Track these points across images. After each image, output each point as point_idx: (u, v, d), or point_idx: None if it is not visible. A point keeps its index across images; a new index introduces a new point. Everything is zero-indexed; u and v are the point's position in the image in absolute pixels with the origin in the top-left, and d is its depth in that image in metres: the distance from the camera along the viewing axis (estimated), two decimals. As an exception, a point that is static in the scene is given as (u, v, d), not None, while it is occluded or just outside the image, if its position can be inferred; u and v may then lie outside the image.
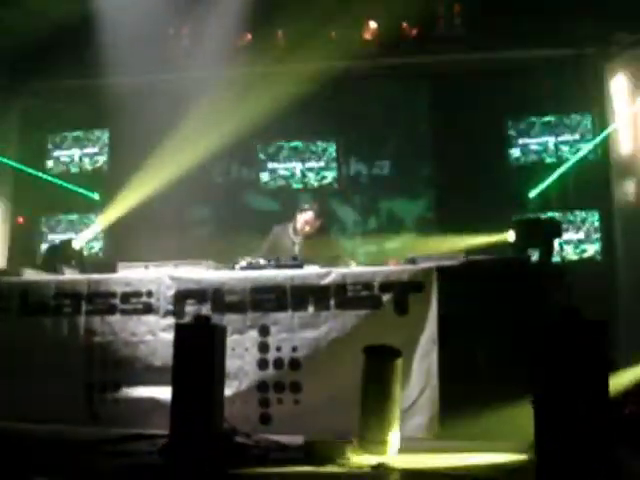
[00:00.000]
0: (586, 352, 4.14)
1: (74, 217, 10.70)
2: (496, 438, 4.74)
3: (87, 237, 9.03)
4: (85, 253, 8.82)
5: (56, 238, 10.26)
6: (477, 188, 9.08)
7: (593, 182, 9.08)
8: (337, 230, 9.79)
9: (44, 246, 10.04)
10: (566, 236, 8.96)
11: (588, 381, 4.16)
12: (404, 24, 9.45)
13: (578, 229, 9.18)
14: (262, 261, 5.84)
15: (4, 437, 4.96)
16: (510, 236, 6.08)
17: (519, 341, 4.85)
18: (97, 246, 10.58)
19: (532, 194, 9.06)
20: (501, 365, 5.00)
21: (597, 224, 9.17)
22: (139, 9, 8.94)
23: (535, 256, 5.75)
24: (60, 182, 10.51)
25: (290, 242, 6.86)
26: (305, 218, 6.89)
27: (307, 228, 6.86)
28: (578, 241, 9.17)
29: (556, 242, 6.85)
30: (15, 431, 5.25)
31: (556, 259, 7.75)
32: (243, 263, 5.83)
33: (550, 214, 8.80)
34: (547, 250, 5.95)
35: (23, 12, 9.25)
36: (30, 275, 6.37)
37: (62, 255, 6.82)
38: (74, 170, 10.84)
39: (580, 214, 9.21)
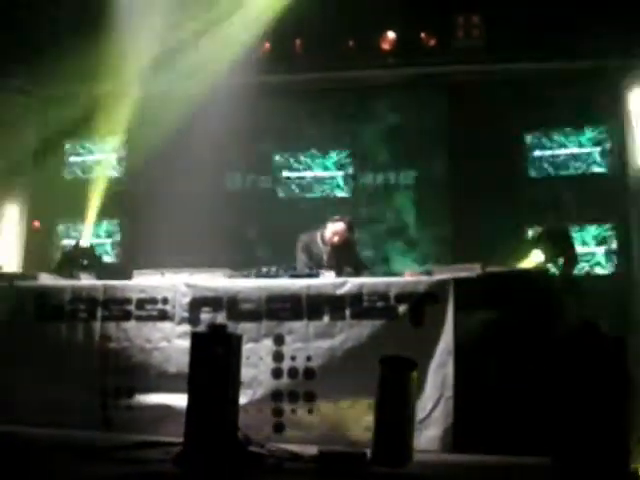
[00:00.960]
0: (605, 367, 4.12)
1: (90, 223, 10.72)
2: (511, 451, 4.71)
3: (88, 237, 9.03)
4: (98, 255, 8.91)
5: (71, 243, 10.31)
6: (494, 200, 9.05)
7: (610, 195, 9.03)
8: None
9: (60, 251, 10.07)
10: (583, 250, 8.91)
11: (607, 395, 4.14)
12: (422, 34, 9.46)
13: (595, 243, 9.12)
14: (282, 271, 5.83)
15: (18, 442, 4.95)
16: (536, 255, 6.05)
17: (536, 354, 4.83)
18: (113, 254, 10.62)
19: (548, 207, 9.01)
20: (517, 378, 4.96)
21: (614, 238, 9.11)
22: (157, 17, 8.98)
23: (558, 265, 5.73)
24: (76, 187, 10.55)
25: (318, 251, 6.79)
26: (335, 229, 6.80)
27: (336, 239, 6.77)
28: (595, 255, 9.11)
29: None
30: (29, 436, 5.24)
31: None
32: (264, 271, 5.82)
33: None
34: (571, 259, 5.95)
35: (41, 17, 9.32)
36: (46, 279, 6.39)
37: (77, 258, 6.84)
38: (90, 176, 10.88)
39: (597, 228, 9.15)
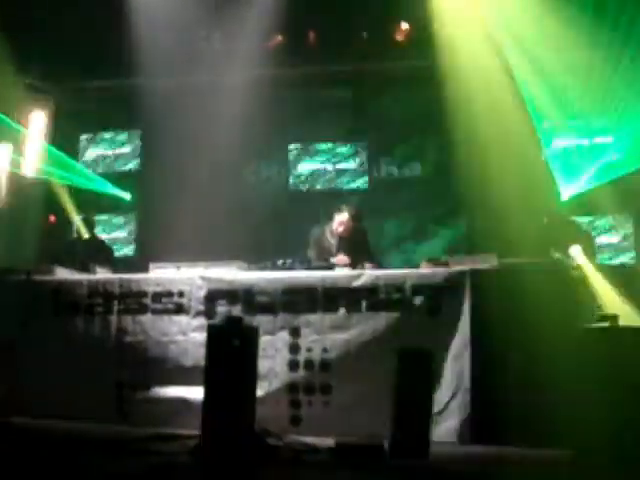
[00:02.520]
0: (623, 358, 4.09)
1: (105, 217, 10.77)
2: (529, 443, 4.69)
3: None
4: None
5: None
6: (510, 190, 8.98)
7: (628, 187, 8.94)
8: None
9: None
10: (600, 240, 8.85)
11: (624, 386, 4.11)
12: (436, 25, 9.39)
13: (612, 234, 9.06)
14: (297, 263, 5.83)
15: (35, 435, 4.98)
16: (574, 250, 6.01)
17: (553, 344, 4.80)
18: (130, 247, 10.66)
19: (565, 198, 8.95)
20: (534, 369, 4.92)
21: (631, 229, 9.04)
22: (171, 11, 8.98)
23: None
24: (91, 181, 10.59)
25: (327, 244, 6.80)
26: (340, 219, 6.81)
27: (341, 229, 6.78)
28: (612, 246, 9.05)
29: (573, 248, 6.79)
30: (46, 429, 5.27)
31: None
32: (279, 263, 5.82)
33: (583, 219, 8.70)
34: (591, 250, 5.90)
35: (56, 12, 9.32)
36: (62, 274, 6.41)
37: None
38: (106, 170, 10.91)
39: (614, 219, 9.09)
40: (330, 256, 6.60)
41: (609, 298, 5.35)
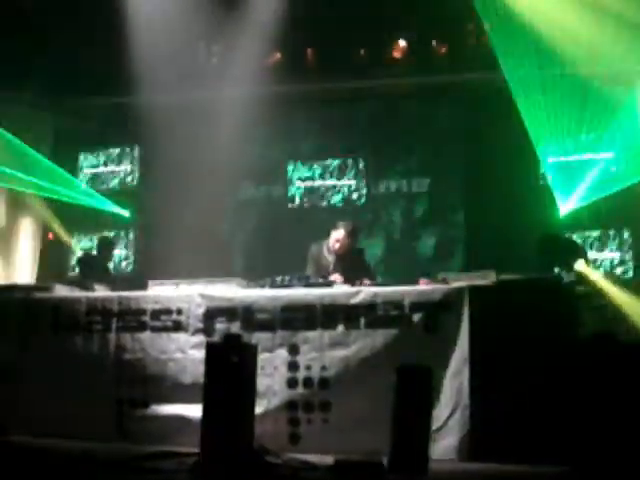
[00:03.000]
0: (623, 376, 4.09)
1: (105, 234, 10.78)
2: (529, 460, 4.68)
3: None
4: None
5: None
6: (509, 206, 9.02)
7: (627, 200, 8.96)
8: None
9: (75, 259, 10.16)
10: (599, 256, 8.87)
11: (624, 404, 4.11)
12: (434, 42, 9.46)
13: (611, 249, 9.07)
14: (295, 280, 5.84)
15: (35, 453, 4.97)
16: (579, 265, 6.02)
17: (552, 361, 4.80)
18: (129, 264, 10.67)
19: (563, 213, 8.98)
20: (534, 386, 4.92)
21: (630, 243, 9.05)
22: (170, 28, 9.04)
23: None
24: (90, 199, 10.62)
25: (325, 261, 6.81)
26: (336, 236, 6.79)
27: (337, 246, 6.77)
28: (611, 261, 9.06)
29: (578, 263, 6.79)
30: (44, 447, 5.26)
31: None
32: (278, 280, 5.83)
33: (581, 234, 8.73)
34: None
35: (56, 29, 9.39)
36: (61, 291, 6.41)
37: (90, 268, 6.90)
38: (105, 187, 10.94)
39: (613, 233, 9.10)
40: (327, 273, 6.60)
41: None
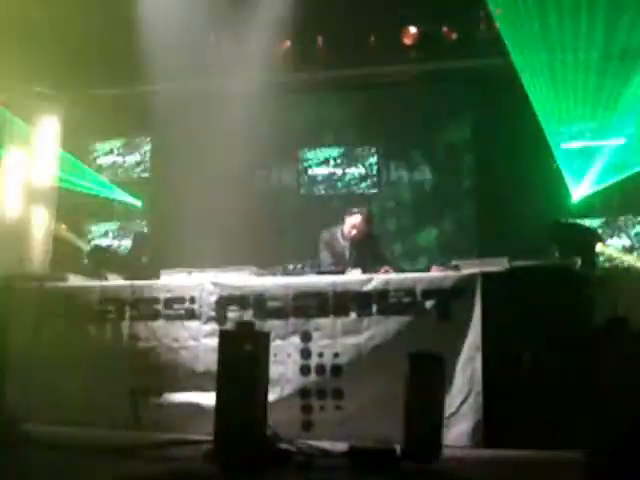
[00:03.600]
0: (635, 361, 4.08)
1: (117, 224, 10.83)
2: (541, 446, 4.68)
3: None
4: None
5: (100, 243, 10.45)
6: (521, 192, 8.98)
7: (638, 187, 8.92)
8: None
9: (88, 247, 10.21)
10: (611, 243, 8.83)
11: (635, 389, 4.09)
12: (444, 28, 9.41)
13: (624, 236, 9.03)
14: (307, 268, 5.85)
15: (48, 442, 5.00)
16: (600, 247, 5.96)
17: (565, 348, 4.80)
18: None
19: (575, 199, 8.94)
20: (546, 372, 4.92)
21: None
22: (179, 16, 9.01)
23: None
24: (102, 190, 10.65)
25: (340, 247, 6.78)
26: (352, 222, 6.75)
27: (354, 232, 6.72)
28: (623, 248, 9.02)
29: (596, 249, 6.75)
30: (59, 436, 5.30)
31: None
32: (290, 268, 5.84)
33: (593, 220, 8.68)
34: (588, 259, 5.89)
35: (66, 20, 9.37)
36: (75, 280, 6.45)
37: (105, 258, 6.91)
38: (116, 177, 10.96)
39: (626, 220, 9.05)
40: (343, 259, 6.60)
41: None
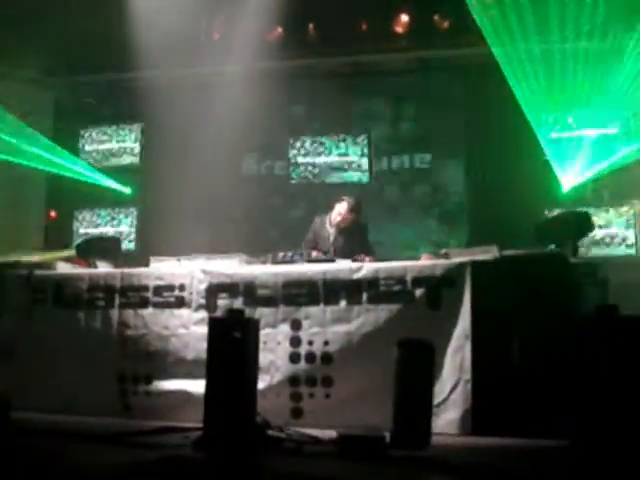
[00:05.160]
0: (624, 349, 4.09)
1: (106, 211, 10.79)
2: (530, 434, 4.70)
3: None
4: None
5: (88, 232, 10.42)
6: (511, 181, 8.99)
7: (629, 177, 8.94)
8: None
9: (77, 239, 10.17)
10: (601, 232, 8.86)
11: (625, 378, 4.11)
12: (435, 16, 9.39)
13: (613, 225, 9.05)
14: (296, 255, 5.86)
15: (36, 429, 5.00)
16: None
17: (554, 336, 4.81)
18: (130, 240, 10.67)
19: (566, 189, 8.95)
20: (536, 360, 4.94)
21: (633, 220, 9.03)
22: (171, 3, 8.97)
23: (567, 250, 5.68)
24: (92, 176, 10.61)
25: (326, 233, 6.84)
26: (339, 209, 6.82)
27: (338, 219, 6.79)
28: (613, 237, 9.04)
29: (586, 237, 6.74)
30: (48, 423, 5.29)
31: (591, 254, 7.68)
32: (280, 256, 5.85)
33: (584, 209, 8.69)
34: (574, 245, 5.91)
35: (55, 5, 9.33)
36: (63, 268, 6.42)
37: (101, 248, 6.88)
38: (107, 164, 10.92)
39: (616, 210, 9.07)
40: (327, 244, 6.68)
41: None
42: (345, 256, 6.05)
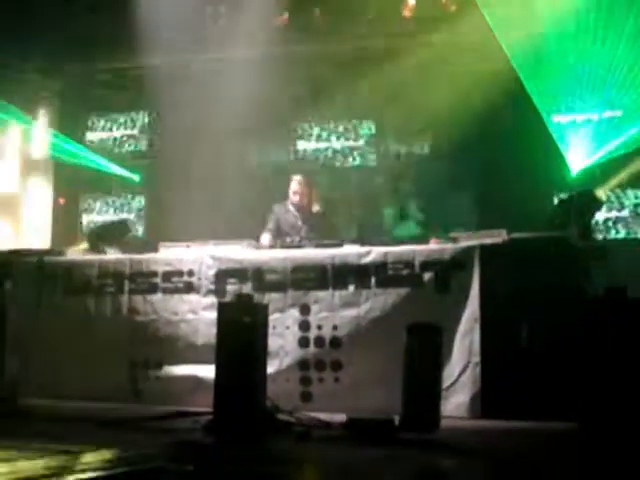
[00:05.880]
0: (632, 332, 4.10)
1: (114, 198, 10.81)
2: (539, 417, 4.71)
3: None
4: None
5: (97, 219, 10.46)
6: (520, 166, 8.94)
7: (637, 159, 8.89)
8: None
9: (89, 226, 10.20)
10: (611, 215, 8.83)
11: (634, 360, 4.12)
12: (443, 0, 9.33)
13: (623, 208, 9.02)
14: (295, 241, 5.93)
15: (47, 415, 5.03)
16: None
17: (563, 319, 4.81)
18: (139, 227, 10.69)
19: (575, 172, 8.91)
20: (545, 343, 4.94)
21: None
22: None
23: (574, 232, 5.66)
24: (100, 163, 10.62)
25: (292, 217, 6.95)
26: (293, 188, 7.01)
27: (297, 198, 6.95)
28: (622, 220, 9.01)
29: (595, 216, 6.71)
30: (60, 408, 5.32)
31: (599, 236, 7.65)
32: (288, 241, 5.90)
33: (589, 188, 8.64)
34: (584, 226, 5.88)
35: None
36: (74, 255, 6.45)
37: (115, 235, 6.91)
38: (115, 152, 10.92)
39: (625, 192, 9.04)
40: (296, 230, 6.77)
41: None
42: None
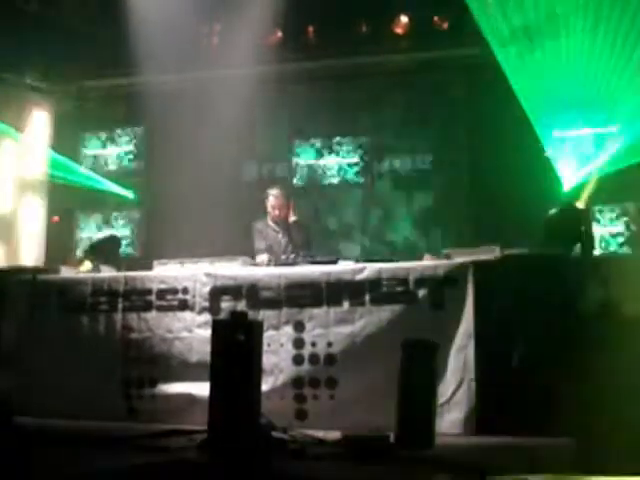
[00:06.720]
0: (626, 347, 4.11)
1: (109, 215, 10.81)
2: (534, 433, 4.70)
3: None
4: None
5: (91, 236, 10.45)
6: (513, 181, 8.97)
7: (629, 174, 8.92)
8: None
9: (82, 243, 10.19)
10: (602, 230, 8.86)
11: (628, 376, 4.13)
12: (435, 17, 9.40)
13: (614, 222, 9.05)
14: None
15: (39, 434, 4.99)
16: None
17: (557, 334, 4.82)
18: (132, 245, 10.69)
19: (567, 187, 8.93)
20: (539, 360, 4.94)
21: (636, 219, 9.02)
22: (171, 7, 8.98)
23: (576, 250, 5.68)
24: (94, 180, 10.63)
25: (273, 232, 6.96)
26: (271, 203, 7.03)
27: (276, 212, 6.97)
28: (614, 235, 9.04)
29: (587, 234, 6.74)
30: (53, 427, 5.29)
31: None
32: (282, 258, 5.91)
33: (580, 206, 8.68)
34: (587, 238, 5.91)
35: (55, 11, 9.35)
36: (67, 273, 6.44)
37: (108, 251, 6.91)
38: (108, 169, 10.93)
39: (616, 207, 9.07)
40: (279, 245, 6.83)
41: None
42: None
